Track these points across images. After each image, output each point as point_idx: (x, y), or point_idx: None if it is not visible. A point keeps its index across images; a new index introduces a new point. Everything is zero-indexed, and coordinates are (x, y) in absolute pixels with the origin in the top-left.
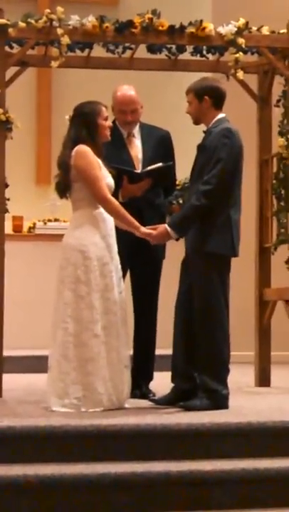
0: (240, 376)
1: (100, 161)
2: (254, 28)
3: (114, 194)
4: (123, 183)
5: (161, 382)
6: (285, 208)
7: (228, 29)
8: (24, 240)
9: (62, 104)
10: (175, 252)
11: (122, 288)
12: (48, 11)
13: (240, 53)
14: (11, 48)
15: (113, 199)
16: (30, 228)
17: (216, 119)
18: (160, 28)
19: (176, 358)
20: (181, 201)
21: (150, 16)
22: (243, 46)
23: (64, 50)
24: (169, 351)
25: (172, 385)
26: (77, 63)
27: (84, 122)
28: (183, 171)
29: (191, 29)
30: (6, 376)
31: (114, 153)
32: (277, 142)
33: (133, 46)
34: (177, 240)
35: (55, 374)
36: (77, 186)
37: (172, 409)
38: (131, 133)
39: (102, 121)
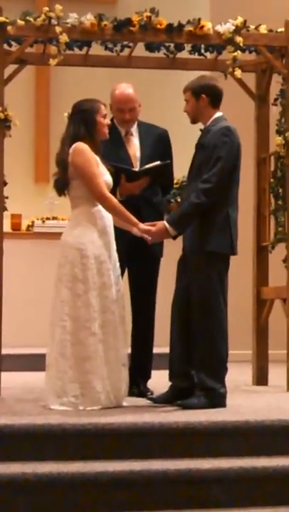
0: (237, 375)
1: (98, 159)
2: (252, 27)
3: (112, 192)
4: (121, 181)
5: (159, 381)
6: (283, 207)
7: (226, 28)
8: (23, 238)
9: (60, 102)
10: (173, 251)
11: (120, 286)
12: (46, 9)
13: (238, 52)
14: (10, 45)
15: (111, 196)
16: (28, 226)
17: (213, 117)
18: (158, 26)
19: (174, 356)
20: (179, 199)
21: (148, 14)
22: (241, 45)
23: (62, 48)
24: (167, 349)
25: (170, 383)
26: (75, 61)
27: (82, 120)
28: (181, 169)
29: (190, 27)
30: (4, 374)
31: (112, 151)
32: (275, 141)
33: (131, 44)
34: (174, 238)
35: (53, 372)
36: (76, 184)
37: (170, 408)
38: (129, 131)
39: (101, 119)
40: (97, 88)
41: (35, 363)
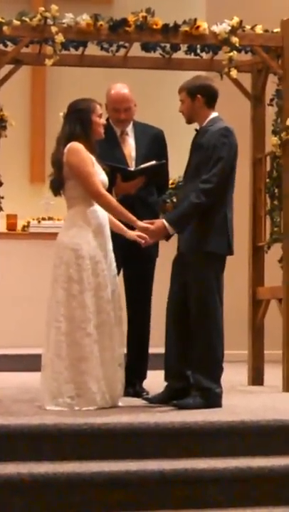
0: (233, 375)
1: (93, 158)
2: (248, 27)
3: (108, 192)
4: (116, 181)
5: (155, 381)
6: (279, 207)
7: (222, 28)
8: (18, 239)
9: (56, 102)
10: (168, 251)
11: (116, 286)
12: (42, 9)
13: (234, 52)
14: (5, 46)
15: (107, 193)
16: (24, 227)
17: (209, 117)
18: (154, 26)
19: (169, 356)
20: (174, 199)
21: (144, 14)
22: (237, 45)
23: (58, 48)
24: (163, 350)
25: (165, 383)
26: (71, 61)
27: (78, 119)
28: (176, 170)
29: (185, 28)
30: (1, 374)
31: (108, 151)
32: (271, 141)
33: (127, 44)
34: (167, 239)
35: (48, 373)
36: (71, 184)
37: (165, 408)
38: (124, 131)
39: (96, 118)
40: (93, 88)
41: (31, 363)
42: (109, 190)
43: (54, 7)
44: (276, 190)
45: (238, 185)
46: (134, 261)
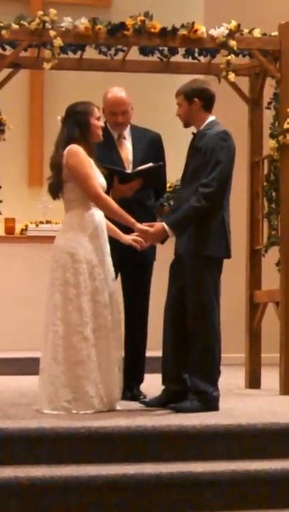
0: (230, 378)
1: (92, 161)
2: (246, 31)
3: (106, 194)
4: (114, 184)
5: (152, 384)
6: (276, 210)
7: (219, 31)
8: (16, 242)
9: (54, 106)
10: (165, 255)
11: (114, 289)
12: (40, 12)
13: (232, 56)
14: (4, 49)
15: (106, 196)
16: (22, 230)
17: (207, 121)
18: (152, 30)
19: (167, 360)
20: (172, 203)
21: (142, 18)
22: (235, 48)
23: (56, 52)
24: (160, 353)
25: (163, 387)
26: (69, 65)
27: (76, 122)
28: (174, 173)
29: (183, 31)
30: None
31: (105, 154)
32: (269, 144)
33: (125, 48)
34: (162, 242)
35: (45, 377)
36: (70, 186)
37: (163, 411)
38: (121, 135)
39: (95, 121)
40: (92, 92)
41: (28, 366)
42: (106, 193)
43: (52, 11)
44: (274, 194)
45: (236, 189)
46: (131, 265)
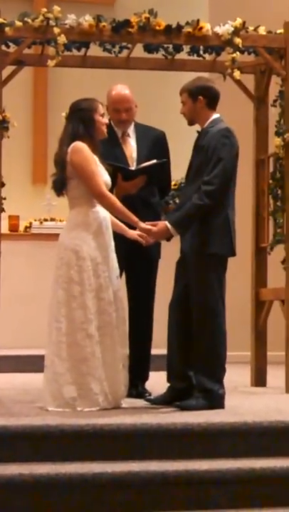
0: (236, 376)
1: (96, 158)
2: (251, 28)
3: (110, 192)
4: (117, 181)
5: (157, 382)
6: (282, 208)
7: (224, 29)
8: (20, 240)
9: (58, 103)
10: (171, 252)
11: (119, 287)
12: (44, 10)
13: (237, 53)
14: (8, 47)
15: (110, 194)
16: (26, 228)
17: (211, 119)
18: (157, 27)
19: (172, 357)
20: (177, 201)
21: (147, 15)
22: (240, 46)
23: (60, 49)
24: (165, 351)
25: (168, 384)
26: (73, 62)
27: (81, 118)
28: (179, 171)
29: (188, 29)
30: (1, 375)
31: (109, 152)
32: (274, 142)
33: (130, 46)
34: (168, 240)
35: (50, 374)
36: (74, 183)
37: (168, 409)
38: (125, 132)
39: (99, 117)
40: (96, 89)
41: (32, 364)
42: (111, 190)
43: (56, 8)
44: (279, 192)
45: (241, 187)
46: (136, 262)
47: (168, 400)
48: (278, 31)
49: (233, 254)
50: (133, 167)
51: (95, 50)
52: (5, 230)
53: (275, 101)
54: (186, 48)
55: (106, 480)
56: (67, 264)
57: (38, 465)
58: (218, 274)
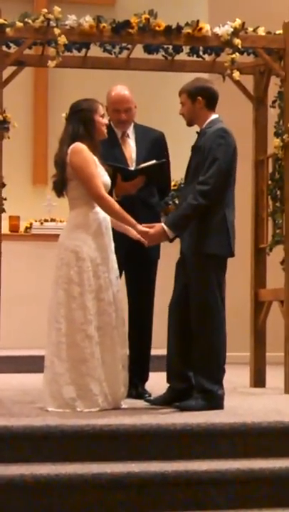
0: (235, 377)
1: (96, 159)
2: (250, 29)
3: (110, 193)
4: (117, 181)
5: (157, 383)
6: (281, 209)
7: (224, 30)
8: (21, 240)
9: (59, 104)
10: (170, 253)
11: (118, 287)
12: (45, 10)
13: (237, 54)
14: (8, 47)
15: (108, 196)
16: (26, 228)
17: (209, 119)
18: (157, 28)
19: (171, 358)
20: (177, 201)
21: (147, 16)
22: (240, 47)
23: (61, 50)
24: (165, 351)
25: (168, 385)
26: (74, 63)
27: (81, 119)
28: (179, 172)
29: (188, 29)
30: (1, 376)
31: (108, 152)
32: (273, 143)
33: (130, 46)
34: (171, 241)
35: (49, 374)
36: (74, 184)
37: (168, 410)
38: (125, 133)
39: (99, 118)
40: (96, 90)
41: (32, 364)
42: (110, 190)
43: (57, 9)
44: (278, 192)
45: (240, 187)
46: (135, 263)
47: (167, 401)
48: (277, 32)
49: (232, 254)
50: (132, 167)
51: (95, 51)
52: (5, 230)
53: (274, 102)
54: (186, 49)
55: (106, 480)
56: (67, 265)
57: (39, 465)
58: (217, 275)
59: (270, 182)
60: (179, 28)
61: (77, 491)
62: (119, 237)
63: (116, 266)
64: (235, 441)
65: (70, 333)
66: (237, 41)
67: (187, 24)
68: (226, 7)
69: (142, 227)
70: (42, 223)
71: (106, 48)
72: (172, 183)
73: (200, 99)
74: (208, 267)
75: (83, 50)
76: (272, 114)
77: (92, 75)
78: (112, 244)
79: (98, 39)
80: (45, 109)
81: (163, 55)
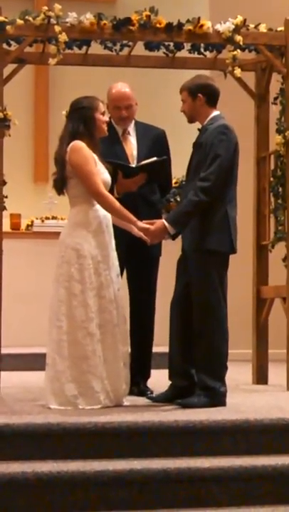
0: (237, 374)
1: (96, 157)
2: (252, 26)
3: (111, 190)
4: (118, 178)
5: (159, 380)
6: (283, 206)
7: (225, 27)
8: (22, 238)
9: (59, 101)
10: (172, 250)
11: (120, 285)
12: (45, 8)
13: (238, 51)
14: (9, 45)
15: (108, 194)
16: (28, 226)
17: (210, 116)
18: (158, 25)
19: (173, 355)
20: (178, 199)
21: (148, 13)
22: (241, 44)
23: (62, 47)
24: (167, 349)
25: (170, 382)
26: (74, 61)
27: (81, 117)
28: (180, 169)
29: (189, 26)
30: (3, 374)
31: (109, 149)
32: (275, 140)
33: (131, 43)
34: (173, 238)
35: (51, 372)
36: (73, 182)
37: (170, 407)
38: (126, 130)
39: (99, 116)
40: (97, 87)
41: (34, 362)
42: (111, 188)
43: (57, 6)
44: (280, 189)
45: (242, 184)
46: (136, 260)
47: (169, 398)
48: (279, 29)
49: (234, 251)
50: (133, 165)
51: (96, 48)
52: (7, 228)
53: (275, 98)
54: (187, 46)
55: (108, 478)
56: (68, 263)
57: (41, 463)
58: (218, 272)
59: (271, 179)
60: (180, 25)
61: (79, 488)
62: (120, 234)
63: (117, 263)
64: (237, 438)
65: (72, 331)
66: (238, 38)
67: (188, 21)
68: (227, 4)
69: (142, 224)
70: (43, 221)
71: (107, 46)
72: (174, 180)
73: (200, 97)
74: (210, 264)
75: (84, 48)
76: (274, 111)
77: (93, 72)
78: (113, 242)
79: (99, 36)
80: (46, 106)
81: (164, 52)
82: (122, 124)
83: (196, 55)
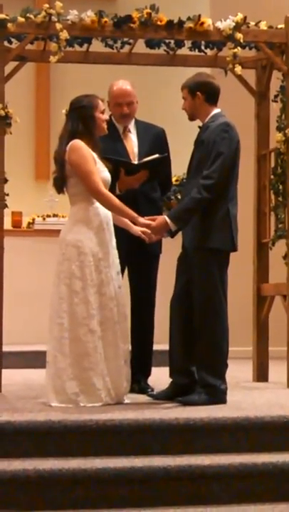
0: (238, 371)
1: (95, 156)
2: (252, 23)
3: (112, 186)
4: (120, 175)
5: (160, 377)
6: (283, 203)
7: (226, 24)
8: (23, 236)
9: (61, 99)
10: (172, 248)
11: (120, 282)
12: (46, 5)
13: (238, 48)
14: (10, 43)
15: (107, 192)
16: (29, 224)
17: (211, 114)
18: (158, 23)
19: (174, 353)
20: (179, 196)
21: (149, 10)
22: (241, 41)
23: (63, 44)
24: (167, 346)
25: (170, 379)
26: (75, 58)
27: (81, 116)
28: (181, 167)
29: (190, 24)
30: (4, 371)
31: (110, 147)
32: (275, 137)
33: (131, 41)
34: (172, 236)
35: (52, 370)
36: (73, 181)
37: (170, 404)
38: (127, 127)
39: (99, 114)
40: (98, 85)
41: (35, 360)
42: (113, 185)
43: (58, 4)
44: (281, 187)
45: (243, 182)
46: (137, 258)
47: (170, 396)
48: (279, 26)
49: (235, 249)
50: (135, 162)
51: (96, 46)
52: (8, 226)
53: (276, 96)
54: (188, 44)
55: (109, 475)
56: (69, 260)
57: (42, 460)
58: (219, 269)
59: (272, 176)
60: (180, 22)
61: (80, 485)
62: (121, 232)
63: (117, 261)
64: (238, 436)
65: (73, 328)
66: (239, 35)
67: (189, 19)
68: (228, 1)
69: (143, 220)
70: (44, 219)
71: (108, 43)
72: (174, 178)
73: (199, 95)
74: (211, 262)
75: (85, 45)
76: (275, 108)
77: (93, 70)
78: (114, 240)
79: (100, 34)
80: (47, 104)
81: (165, 50)
82: (123, 122)
83: (196, 52)
